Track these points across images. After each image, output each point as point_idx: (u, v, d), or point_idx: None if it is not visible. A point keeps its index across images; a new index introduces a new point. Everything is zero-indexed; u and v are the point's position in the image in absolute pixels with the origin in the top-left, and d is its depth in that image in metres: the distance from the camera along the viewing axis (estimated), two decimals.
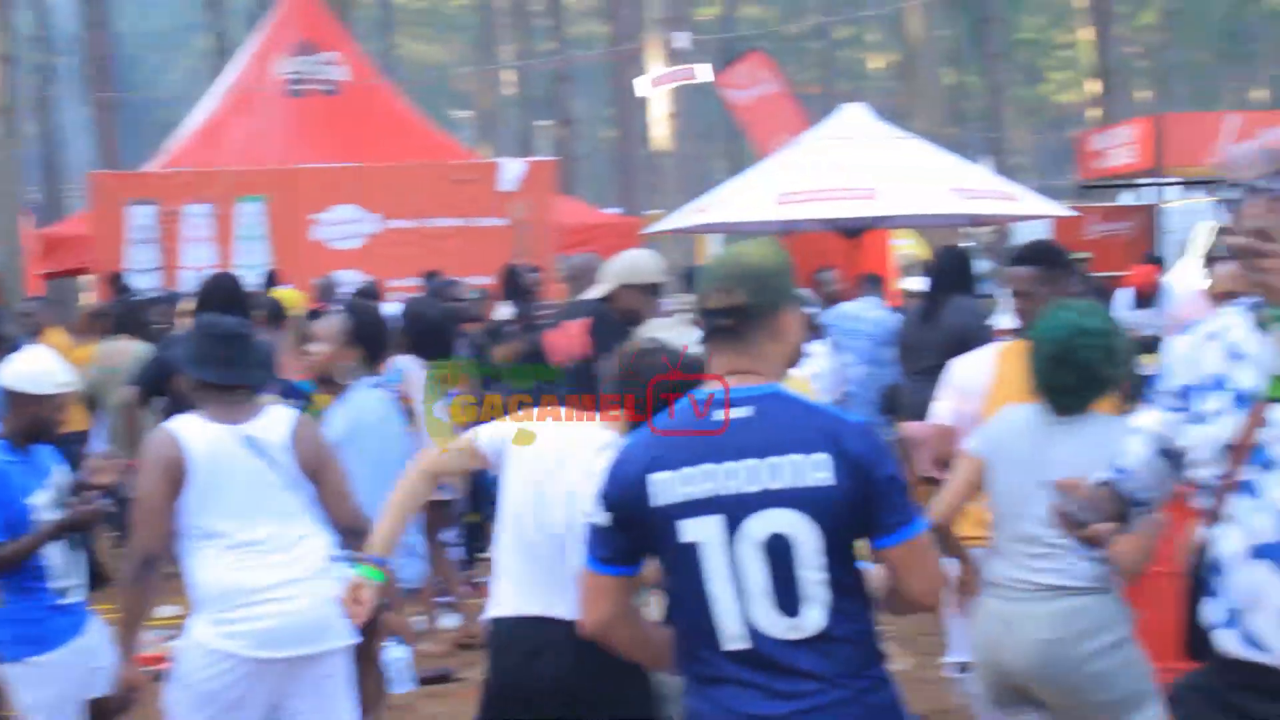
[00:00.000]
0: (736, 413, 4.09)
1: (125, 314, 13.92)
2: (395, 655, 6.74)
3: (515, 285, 15.35)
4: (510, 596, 5.51)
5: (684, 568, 4.08)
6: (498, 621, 5.54)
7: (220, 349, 6.26)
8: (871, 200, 16.57)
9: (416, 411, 10.16)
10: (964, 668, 7.05)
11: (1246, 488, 3.98)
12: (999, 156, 39.03)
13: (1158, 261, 18.79)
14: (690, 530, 4.05)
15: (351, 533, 6.30)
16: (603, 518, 4.18)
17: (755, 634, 4.02)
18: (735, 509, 4.01)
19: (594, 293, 8.73)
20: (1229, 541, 4.01)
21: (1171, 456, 4.24)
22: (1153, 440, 4.29)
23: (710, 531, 4.03)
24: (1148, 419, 4.34)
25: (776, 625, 4.00)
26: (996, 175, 22.49)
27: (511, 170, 19.84)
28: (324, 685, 6.18)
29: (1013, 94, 61.80)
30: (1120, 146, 24.23)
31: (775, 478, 3.99)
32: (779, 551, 3.99)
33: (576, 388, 11.10)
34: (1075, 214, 22.06)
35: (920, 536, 4.13)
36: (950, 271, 10.87)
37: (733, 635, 4.03)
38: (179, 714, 6.09)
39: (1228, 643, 4.02)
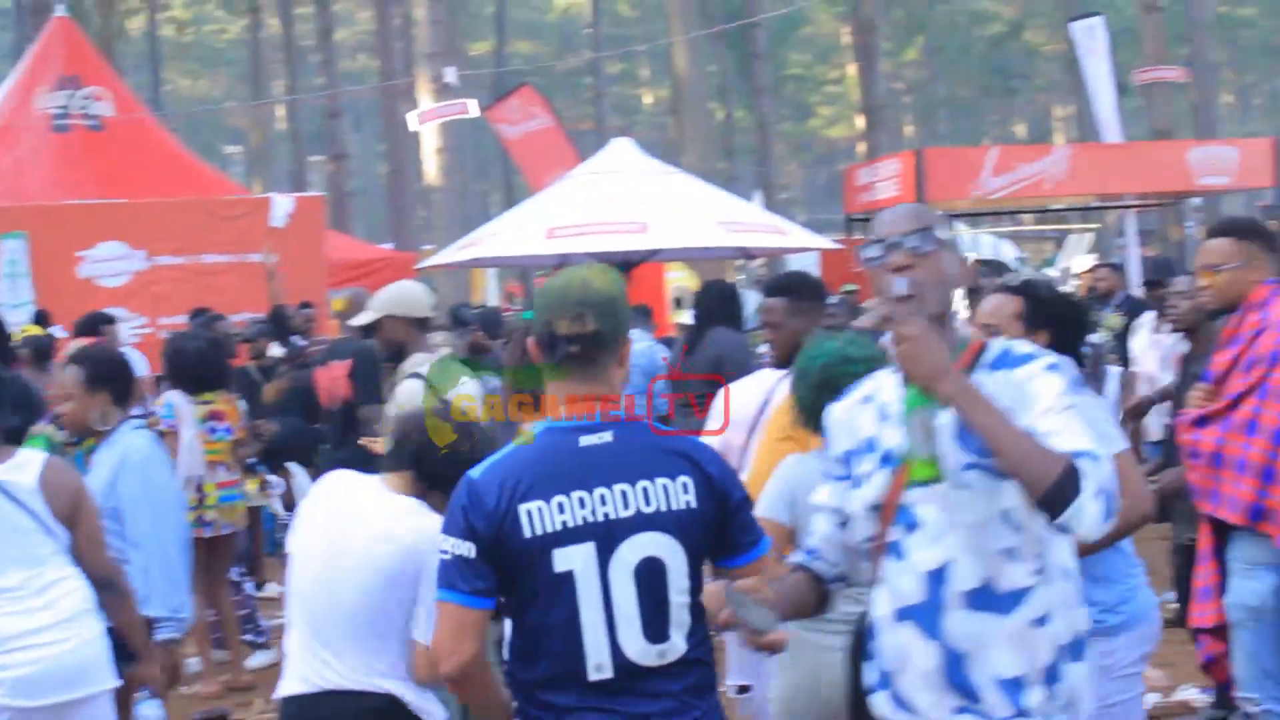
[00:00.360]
0: (596, 439, 4.11)
1: None
2: (147, 713, 6.63)
3: (282, 324, 15.31)
4: (299, 671, 5.34)
5: (554, 599, 4.06)
6: (286, 701, 5.39)
7: None
8: (643, 234, 16.69)
9: (182, 445, 10.09)
10: (743, 689, 7.16)
11: (893, 549, 3.98)
12: (769, 190, 39.53)
13: None
14: (563, 559, 4.04)
15: (103, 584, 6.21)
16: (465, 549, 4.10)
17: (621, 662, 4.04)
18: (608, 535, 4.03)
19: (359, 321, 8.71)
20: (879, 604, 4.03)
21: (847, 526, 4.18)
22: (832, 514, 4.23)
23: (584, 559, 4.03)
24: (823, 494, 4.28)
25: (645, 653, 4.04)
26: (765, 209, 22.82)
27: (282, 206, 19.67)
28: None
29: (782, 129, 62.65)
30: (884, 180, 24.62)
31: (648, 502, 4.04)
32: (651, 576, 4.04)
33: (341, 429, 11.12)
34: (841, 247, 22.44)
35: (768, 554, 4.27)
36: (713, 304, 11.04)
37: (598, 665, 4.03)
38: None
39: (881, 706, 4.04)
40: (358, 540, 5.19)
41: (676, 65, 33.47)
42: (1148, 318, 13.46)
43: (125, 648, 6.31)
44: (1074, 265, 23.27)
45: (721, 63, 50.17)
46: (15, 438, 6.47)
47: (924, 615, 3.90)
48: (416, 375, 8.09)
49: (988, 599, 3.85)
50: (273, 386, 13.18)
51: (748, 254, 20.79)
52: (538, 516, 4.06)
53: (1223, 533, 6.77)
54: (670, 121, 49.27)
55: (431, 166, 27.17)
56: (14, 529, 5.97)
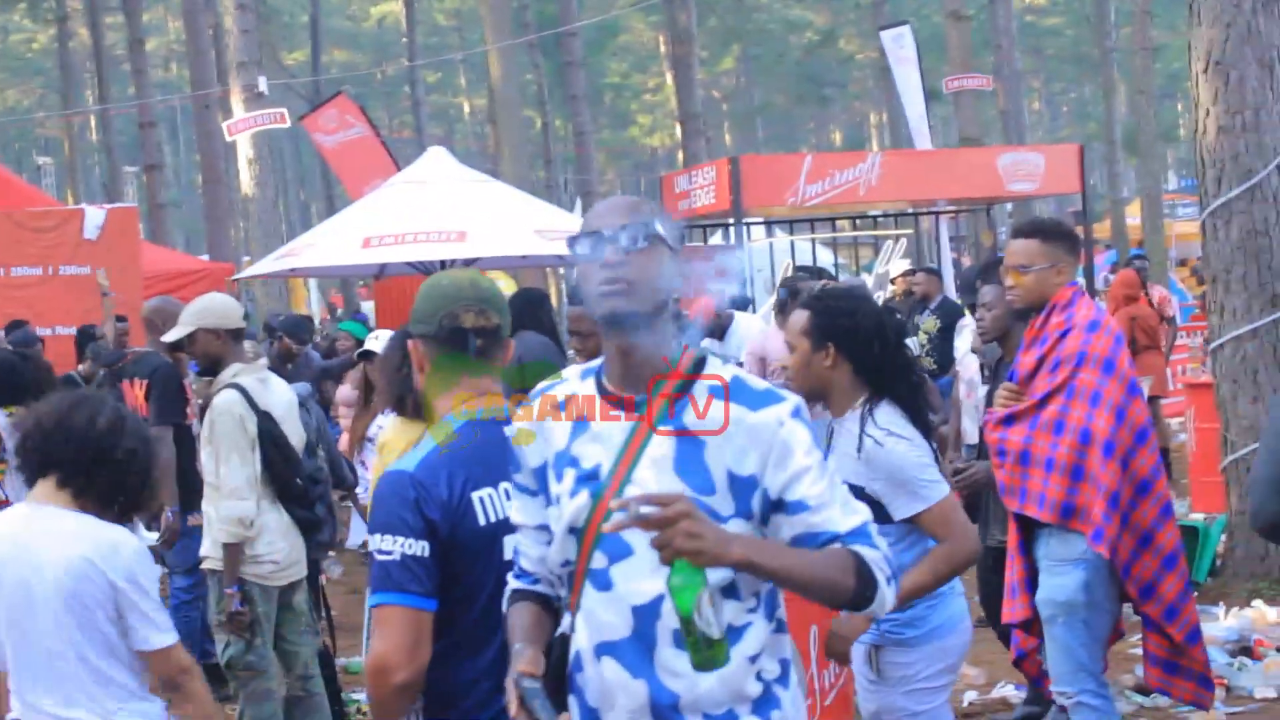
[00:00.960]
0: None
1: None
2: None
3: (89, 338, 15.17)
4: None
5: (501, 587, 3.97)
6: None
7: None
8: (461, 243, 16.68)
9: None
10: None
11: (596, 578, 3.65)
12: (588, 198, 39.58)
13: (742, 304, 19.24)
14: (510, 546, 4.01)
15: None
16: (417, 548, 4.01)
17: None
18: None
19: (172, 335, 8.61)
20: (579, 636, 3.69)
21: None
22: (537, 533, 3.85)
23: None
24: (515, 512, 3.92)
25: None
26: (582, 217, 22.84)
27: (95, 218, 19.37)
28: None
29: (601, 137, 62.80)
30: (701, 188, 24.75)
31: None
32: None
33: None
34: None
35: None
36: (521, 309, 11.07)
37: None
38: None
39: None
40: (45, 574, 4.95)
41: (492, 74, 33.44)
42: (970, 320, 13.62)
43: None
44: (891, 270, 23.46)
45: (538, 71, 50.22)
46: None
47: (631, 652, 3.61)
48: (234, 386, 8.04)
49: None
50: None
51: (566, 262, 20.79)
52: (489, 503, 4.13)
53: (1029, 530, 6.90)
54: (489, 130, 49.27)
55: (246, 177, 26.89)
56: None
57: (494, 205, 17.81)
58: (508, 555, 4.03)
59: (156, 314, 10.93)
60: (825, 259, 28.58)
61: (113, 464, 5.01)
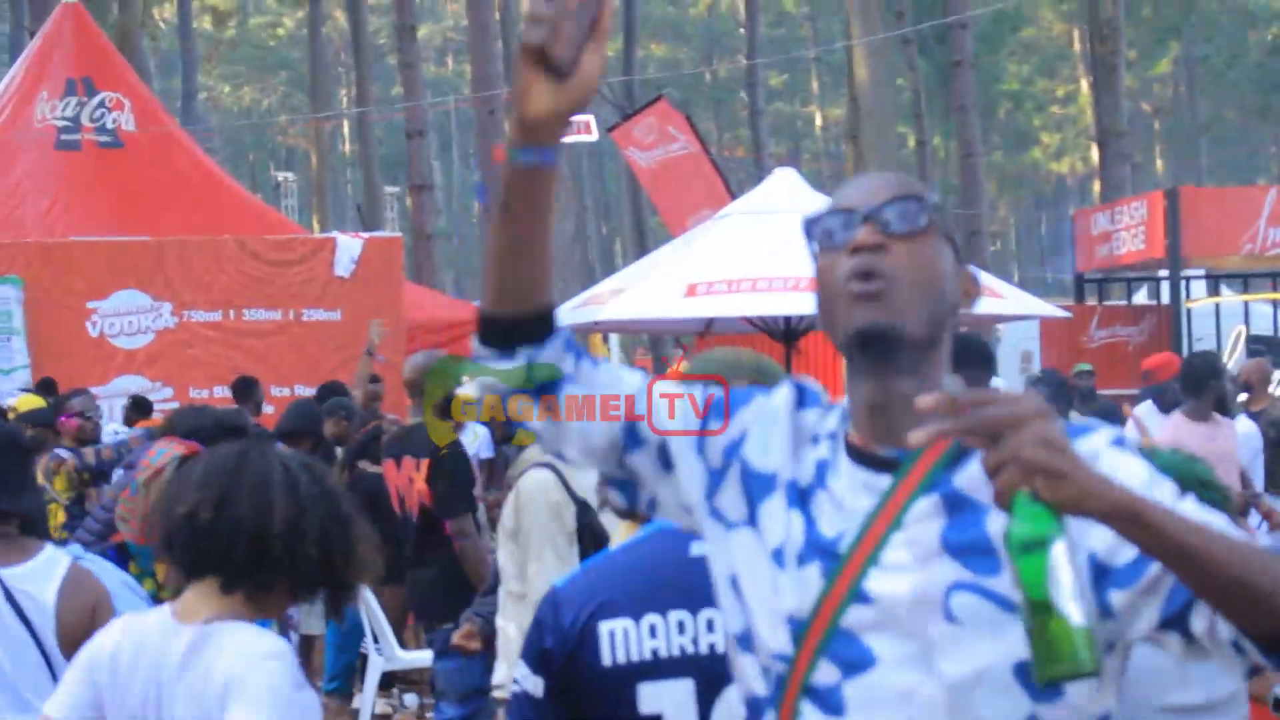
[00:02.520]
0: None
1: None
2: None
3: (332, 395, 15.42)
4: None
5: None
6: None
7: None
8: (811, 293, 16.64)
9: None
10: None
11: (821, 698, 3.14)
12: (975, 240, 39.36)
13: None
14: (651, 698, 3.95)
15: None
16: (531, 684, 4.02)
17: None
18: (711, 672, 3.89)
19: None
20: None
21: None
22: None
23: (679, 701, 3.94)
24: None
25: None
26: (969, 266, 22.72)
27: (348, 250, 19.81)
28: None
29: (993, 161, 62.50)
30: (1127, 229, 24.47)
31: None
32: None
33: (419, 544, 11.14)
34: (1070, 316, 22.33)
35: None
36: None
37: None
38: None
39: None
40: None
41: (856, 77, 33.53)
42: None
43: None
44: None
45: (914, 74, 50.20)
46: (33, 528, 6.46)
47: None
48: (546, 465, 8.03)
49: None
50: (339, 480, 13.23)
51: None
52: (621, 639, 3.99)
53: None
54: (847, 148, 49.37)
55: None
56: (13, 652, 5.94)
57: None
58: (645, 709, 3.94)
59: (419, 373, 11.03)
60: None
61: (303, 561, 4.90)
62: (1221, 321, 24.96)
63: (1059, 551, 2.69)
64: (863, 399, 3.18)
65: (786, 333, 17.56)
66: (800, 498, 3.21)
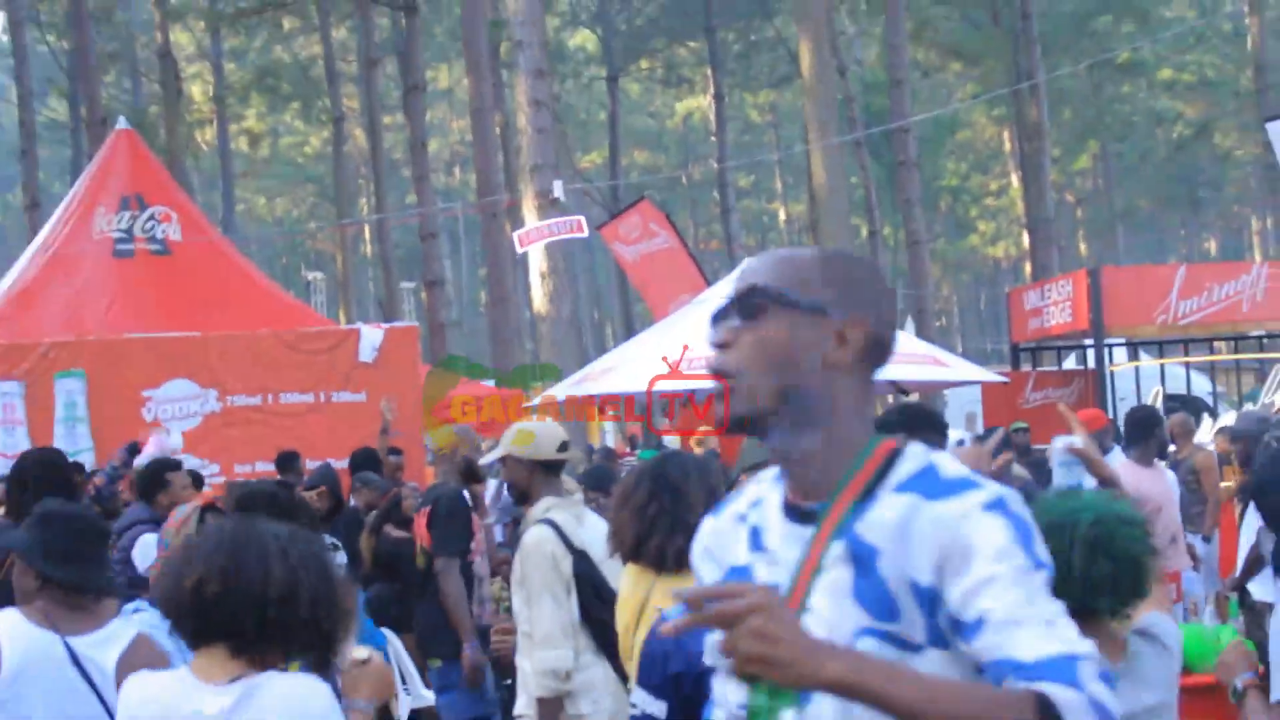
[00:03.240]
0: None
1: None
2: None
3: (369, 465, 15.43)
4: None
5: None
6: None
7: (73, 544, 6.05)
8: None
9: None
10: None
11: None
12: (922, 317, 39.42)
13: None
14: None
15: None
16: (655, 708, 4.01)
17: None
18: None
19: (489, 457, 8.79)
20: None
21: None
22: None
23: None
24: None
25: None
26: (919, 338, 22.75)
27: (371, 339, 19.79)
28: None
29: (936, 247, 62.59)
30: (1055, 304, 24.49)
31: None
32: None
33: (422, 584, 11.18)
34: (1007, 380, 22.34)
35: None
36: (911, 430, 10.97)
37: None
38: None
39: None
40: None
41: (815, 176, 33.57)
42: None
43: None
44: (1279, 400, 22.92)
45: (865, 173, 50.31)
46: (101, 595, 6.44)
47: None
48: (545, 522, 8.06)
49: None
50: (367, 543, 13.18)
51: (900, 389, 20.68)
52: None
53: None
54: (809, 239, 49.43)
55: (538, 292, 27.31)
56: (73, 706, 5.86)
57: None
58: None
59: (453, 439, 11.14)
60: (1201, 386, 28.02)
61: (297, 625, 4.75)
62: (1141, 382, 25.02)
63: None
64: (775, 462, 3.21)
65: None
66: (743, 573, 3.22)
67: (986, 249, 75.10)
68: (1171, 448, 16.40)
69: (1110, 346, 24.52)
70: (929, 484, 3.04)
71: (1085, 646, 2.86)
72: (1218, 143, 66.54)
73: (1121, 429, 15.67)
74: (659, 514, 6.19)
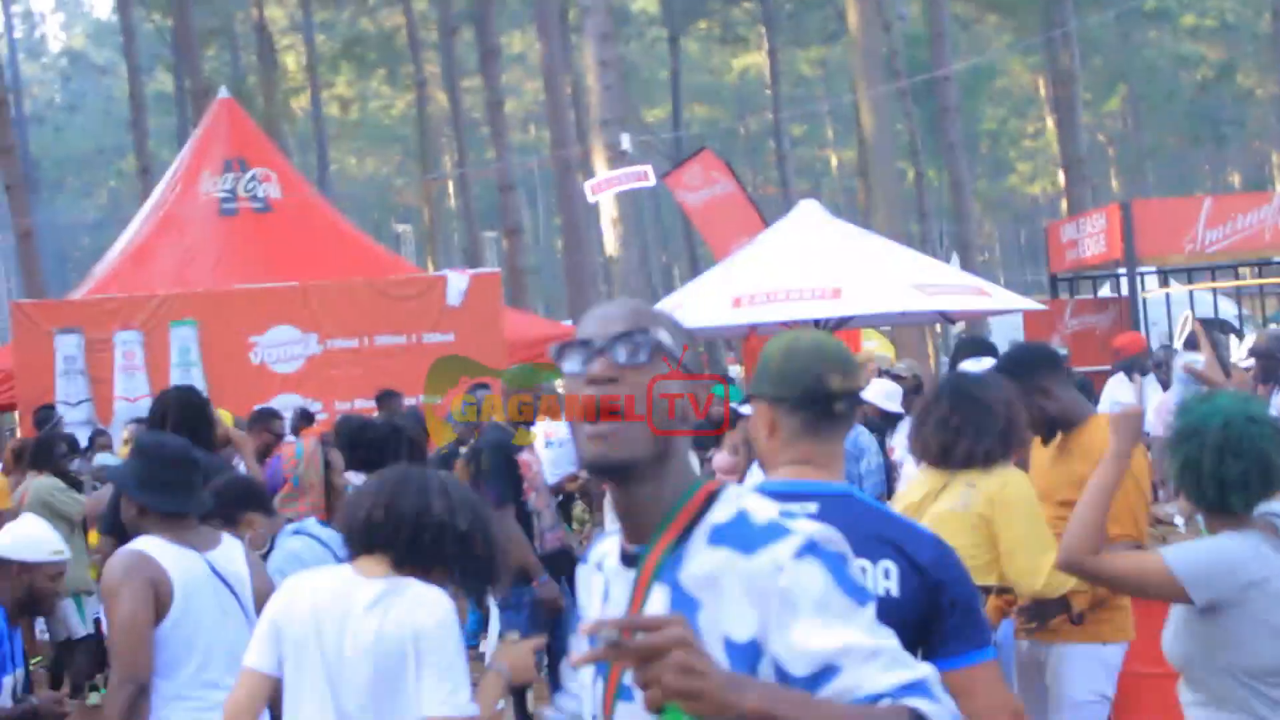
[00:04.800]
0: (799, 508, 3.79)
1: (37, 450, 13.81)
2: None
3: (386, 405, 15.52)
4: None
5: None
6: None
7: (169, 473, 6.13)
8: (836, 300, 16.63)
9: None
10: None
11: None
12: (965, 252, 39.21)
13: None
14: None
15: None
16: None
17: None
18: (882, 613, 3.72)
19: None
20: None
21: None
22: None
23: None
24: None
25: None
26: (962, 270, 22.67)
27: (457, 284, 19.83)
28: None
29: (978, 187, 62.23)
30: (1090, 236, 24.36)
31: None
32: None
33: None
34: (1046, 308, 22.23)
35: (989, 664, 4.06)
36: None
37: None
38: None
39: None
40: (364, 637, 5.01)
41: (863, 124, 33.43)
42: None
43: None
44: None
45: (910, 120, 49.99)
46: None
47: None
48: None
49: None
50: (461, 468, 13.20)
51: (947, 318, 20.58)
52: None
53: None
54: (858, 183, 49.22)
55: (609, 238, 27.31)
56: (229, 617, 6.01)
57: (869, 259, 17.68)
58: None
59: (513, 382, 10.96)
60: (1227, 310, 27.82)
61: (450, 550, 5.10)
62: (1171, 308, 24.86)
63: None
64: (614, 506, 3.05)
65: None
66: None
67: (1025, 187, 74.70)
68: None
69: (1142, 275, 24.36)
70: (741, 535, 2.91)
71: (925, 669, 2.80)
72: (1239, 83, 65.94)
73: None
74: (964, 422, 6.32)
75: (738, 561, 2.87)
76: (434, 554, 5.06)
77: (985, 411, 6.34)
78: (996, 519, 6.22)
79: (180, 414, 9.25)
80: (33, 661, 8.17)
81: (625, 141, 27.55)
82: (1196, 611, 4.92)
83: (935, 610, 3.97)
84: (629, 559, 3.04)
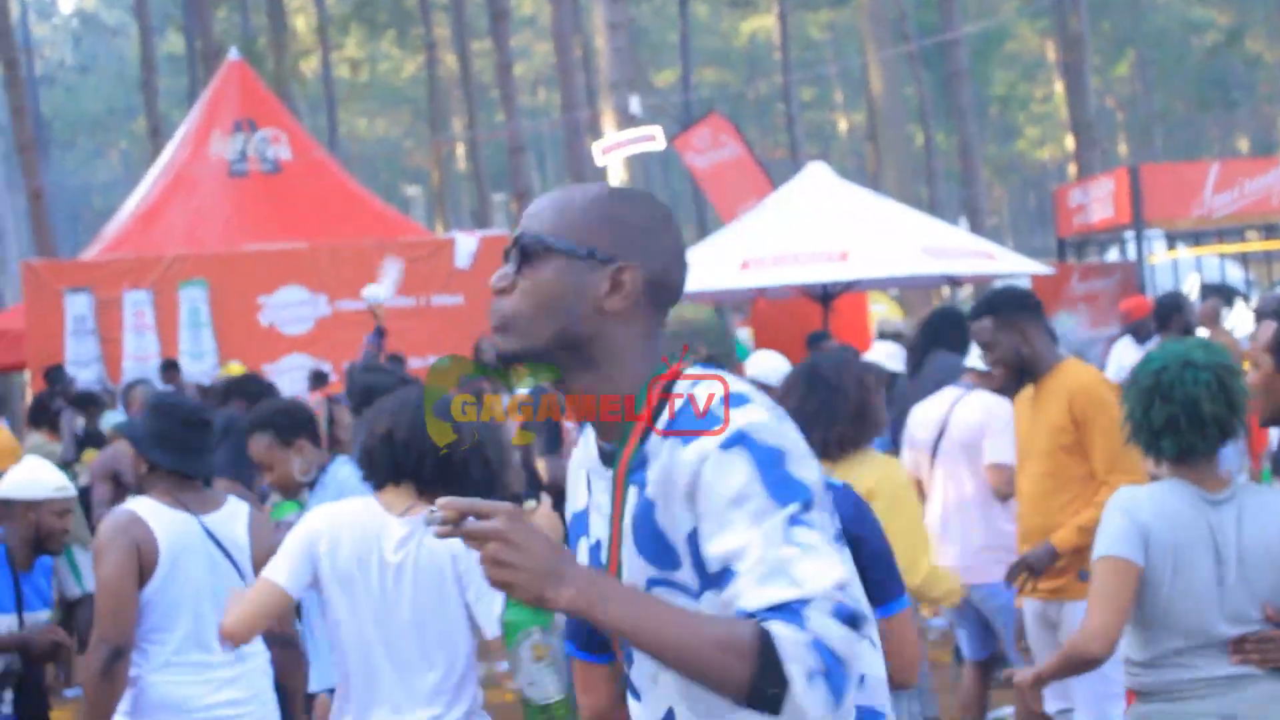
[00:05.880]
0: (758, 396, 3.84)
1: (38, 407, 13.91)
2: None
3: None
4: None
5: None
6: None
7: (181, 433, 6.13)
8: (843, 263, 16.64)
9: None
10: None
11: (630, 685, 3.13)
12: (974, 216, 39.19)
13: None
14: None
15: (286, 642, 6.29)
16: None
17: None
18: None
19: None
20: None
21: None
22: None
23: None
24: None
25: None
26: (970, 234, 22.65)
27: (466, 246, 19.84)
28: None
29: (987, 152, 62.12)
30: (1098, 200, 24.34)
31: None
32: None
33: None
34: (1054, 272, 22.21)
35: (902, 614, 4.20)
36: (938, 327, 10.94)
37: None
38: None
39: None
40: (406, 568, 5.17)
41: (872, 88, 33.51)
42: None
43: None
44: None
45: (919, 84, 49.90)
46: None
47: None
48: None
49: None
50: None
51: (954, 281, 20.58)
52: None
53: None
54: (867, 147, 49.16)
55: None
56: (222, 581, 5.98)
57: (878, 223, 17.70)
58: None
59: None
60: (1234, 275, 27.80)
61: (472, 468, 5.19)
62: (1179, 273, 24.85)
63: (527, 640, 2.71)
64: (569, 409, 3.05)
65: (824, 295, 17.57)
66: (583, 524, 3.12)
67: (1033, 152, 74.52)
68: (1204, 332, 16.29)
69: (1149, 239, 24.36)
70: (684, 425, 2.83)
71: (819, 585, 2.66)
72: (1248, 47, 65.76)
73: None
74: (818, 410, 6.22)
75: (678, 452, 2.81)
76: (458, 476, 5.14)
77: (837, 395, 6.28)
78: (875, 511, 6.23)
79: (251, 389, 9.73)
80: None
81: (634, 104, 27.57)
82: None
83: (856, 564, 3.98)
84: (605, 456, 2.99)
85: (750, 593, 2.66)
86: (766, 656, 2.59)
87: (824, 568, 2.68)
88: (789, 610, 2.62)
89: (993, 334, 7.00)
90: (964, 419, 8.23)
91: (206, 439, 6.19)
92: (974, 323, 7.15)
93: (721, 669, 2.62)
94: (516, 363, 2.93)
